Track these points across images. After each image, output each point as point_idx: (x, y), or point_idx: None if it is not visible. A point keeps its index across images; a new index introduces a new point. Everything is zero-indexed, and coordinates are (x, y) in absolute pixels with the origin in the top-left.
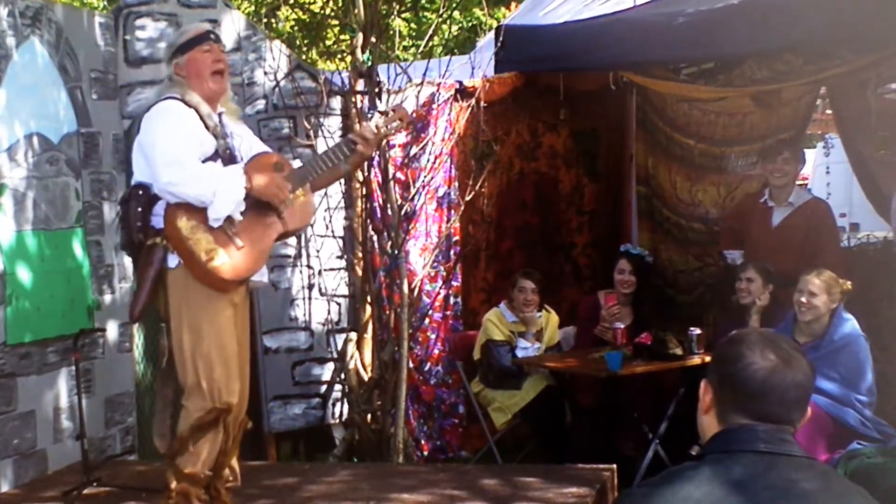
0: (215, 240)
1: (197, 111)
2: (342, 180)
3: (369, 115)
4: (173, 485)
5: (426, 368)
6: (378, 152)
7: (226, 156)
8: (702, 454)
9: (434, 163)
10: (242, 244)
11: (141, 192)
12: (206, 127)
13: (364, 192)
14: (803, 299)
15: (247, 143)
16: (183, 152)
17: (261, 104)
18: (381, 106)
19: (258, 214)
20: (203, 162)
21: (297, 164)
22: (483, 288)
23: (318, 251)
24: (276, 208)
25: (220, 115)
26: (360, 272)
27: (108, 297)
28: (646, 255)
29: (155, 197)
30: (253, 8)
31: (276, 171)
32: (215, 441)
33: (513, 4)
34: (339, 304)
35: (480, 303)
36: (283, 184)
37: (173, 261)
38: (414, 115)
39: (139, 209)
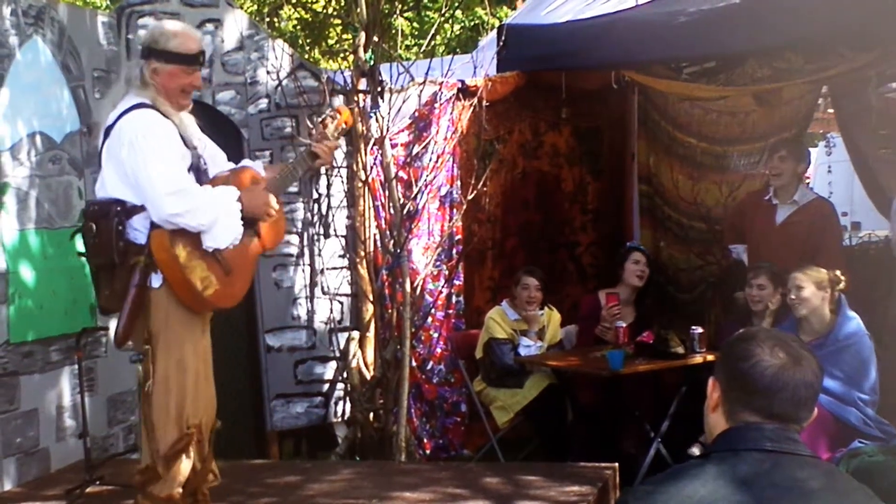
0: (208, 266)
1: (171, 121)
2: (344, 179)
3: (372, 116)
4: None
5: (428, 367)
6: (381, 151)
7: (198, 165)
8: (707, 452)
9: (436, 162)
10: (231, 269)
11: (119, 209)
12: (183, 140)
13: (366, 191)
14: (793, 295)
15: (209, 149)
16: (184, 179)
17: (263, 103)
18: (383, 106)
19: (248, 225)
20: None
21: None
22: (489, 287)
23: (320, 250)
24: (256, 228)
25: None
26: (362, 271)
27: None
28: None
29: (132, 211)
30: (255, 7)
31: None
32: (189, 462)
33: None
34: (341, 303)
35: (486, 301)
36: (269, 198)
37: (157, 281)
38: (417, 114)
39: (119, 227)
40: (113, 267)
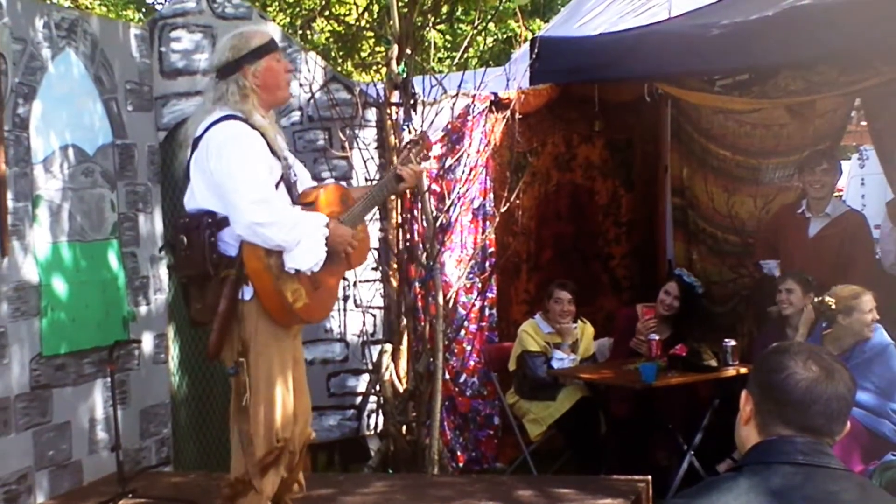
0: (298, 280)
1: (263, 135)
2: None
3: (405, 128)
4: None
5: (461, 380)
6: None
7: (288, 178)
8: (739, 465)
9: (469, 174)
10: (320, 284)
11: (210, 221)
12: (272, 151)
13: (399, 204)
14: (869, 318)
15: (296, 164)
16: (269, 190)
17: (296, 116)
18: (416, 119)
19: (329, 253)
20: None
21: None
22: (525, 300)
23: None
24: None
25: None
26: (395, 284)
27: (143, 309)
28: (697, 285)
29: (223, 223)
30: (288, 20)
31: (343, 205)
32: (277, 475)
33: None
34: (374, 316)
35: (522, 314)
36: (350, 233)
37: (248, 293)
38: (450, 126)
39: (211, 239)
40: (205, 279)
